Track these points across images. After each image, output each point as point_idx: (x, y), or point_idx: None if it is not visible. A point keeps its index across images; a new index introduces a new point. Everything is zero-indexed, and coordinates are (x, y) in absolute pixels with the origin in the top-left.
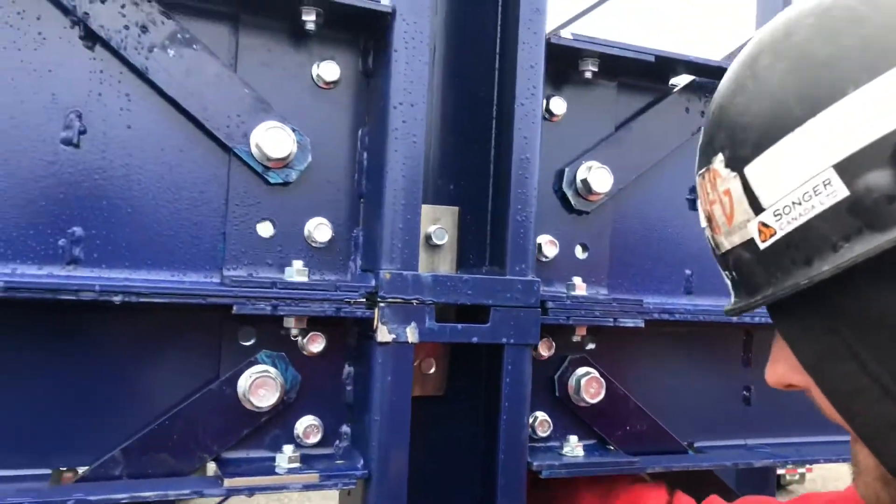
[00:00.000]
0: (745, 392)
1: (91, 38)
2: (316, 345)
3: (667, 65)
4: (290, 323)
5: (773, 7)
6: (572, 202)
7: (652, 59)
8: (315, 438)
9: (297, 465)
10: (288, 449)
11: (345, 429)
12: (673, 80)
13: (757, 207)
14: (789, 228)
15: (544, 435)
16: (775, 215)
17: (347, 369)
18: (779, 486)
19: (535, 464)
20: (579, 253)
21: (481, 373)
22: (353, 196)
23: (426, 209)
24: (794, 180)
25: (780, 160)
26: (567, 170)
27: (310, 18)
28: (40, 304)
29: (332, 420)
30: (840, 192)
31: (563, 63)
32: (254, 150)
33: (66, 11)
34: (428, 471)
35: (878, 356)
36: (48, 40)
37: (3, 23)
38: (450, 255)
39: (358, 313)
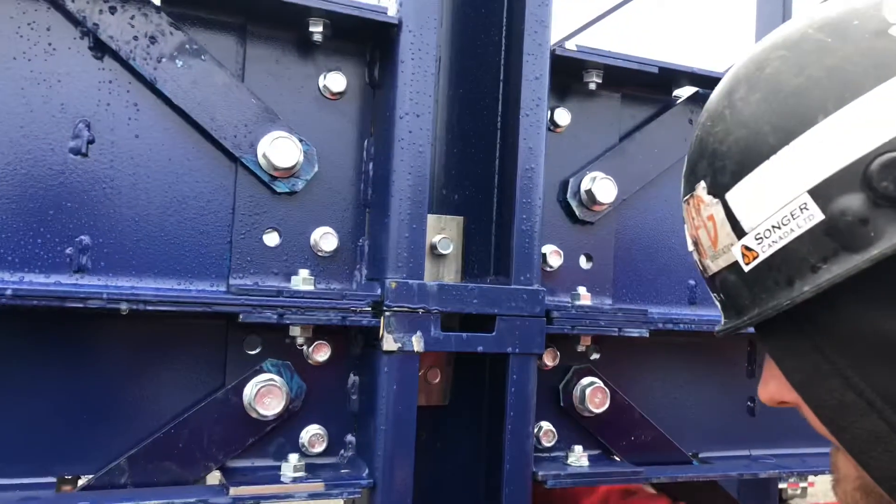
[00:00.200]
0: (749, 403)
1: (100, 48)
2: (321, 354)
3: (670, 76)
4: (295, 332)
5: (772, 20)
6: (577, 213)
7: (655, 70)
8: (320, 447)
9: (302, 473)
10: (293, 458)
11: (350, 438)
12: (676, 92)
13: (739, 232)
14: (770, 251)
15: (549, 445)
16: (757, 239)
17: (353, 378)
18: (781, 500)
19: (540, 473)
20: (584, 263)
21: (485, 383)
22: (359, 206)
23: (431, 219)
24: (773, 205)
25: (759, 186)
26: (571, 180)
27: (317, 30)
28: (47, 311)
29: (337, 429)
30: (816, 215)
31: (568, 74)
32: (261, 159)
33: (75, 22)
34: (433, 480)
35: (861, 372)
36: (58, 51)
37: (13, 33)
38: (455, 265)
39: (364, 322)
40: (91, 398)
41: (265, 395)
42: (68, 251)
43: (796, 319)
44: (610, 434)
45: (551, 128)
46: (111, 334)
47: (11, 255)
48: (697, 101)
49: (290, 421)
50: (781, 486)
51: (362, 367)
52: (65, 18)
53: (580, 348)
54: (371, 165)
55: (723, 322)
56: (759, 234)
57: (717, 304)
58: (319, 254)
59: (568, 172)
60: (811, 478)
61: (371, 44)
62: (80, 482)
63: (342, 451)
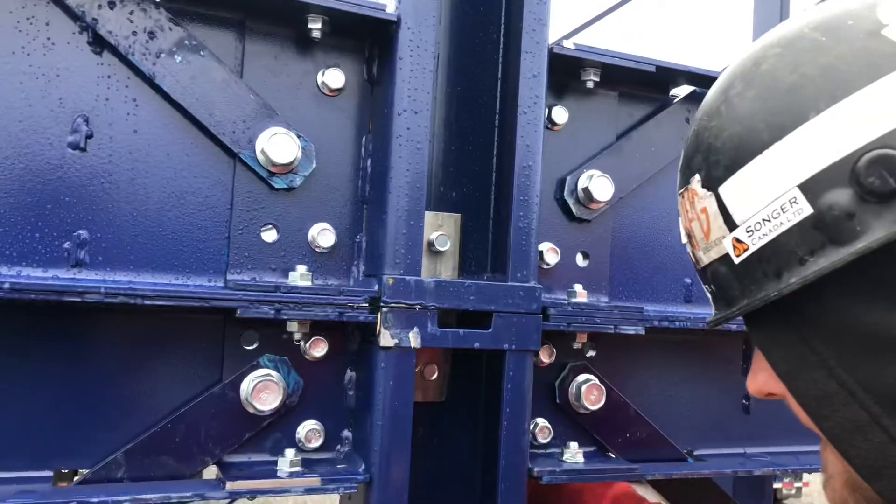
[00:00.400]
0: (744, 401)
1: (99, 43)
2: (318, 349)
3: (667, 75)
4: (292, 327)
5: (769, 20)
6: (573, 210)
7: (653, 69)
8: (317, 443)
9: (298, 468)
10: (290, 453)
11: (346, 433)
12: (673, 91)
13: (731, 224)
14: (761, 244)
15: (545, 441)
16: (748, 231)
17: (349, 374)
18: (775, 500)
19: (535, 470)
20: (580, 261)
21: (482, 379)
22: (357, 202)
23: (429, 216)
24: (764, 199)
25: (751, 180)
26: (568, 178)
27: (315, 26)
28: (45, 306)
29: (333, 424)
30: (805, 209)
31: (565, 73)
32: (259, 155)
33: (75, 17)
34: (429, 476)
35: (845, 363)
36: (57, 45)
37: (12, 27)
38: (452, 262)
39: (361, 318)
40: (88, 392)
41: (262, 390)
42: (66, 245)
43: (784, 311)
44: (605, 431)
45: (549, 126)
46: (109, 329)
47: (9, 249)
48: (694, 99)
49: (286, 416)
50: (776, 485)
51: (359, 362)
52: (64, 13)
53: (576, 345)
54: (369, 162)
55: (713, 314)
56: (749, 226)
57: (709, 295)
58: (317, 250)
59: (565, 170)
60: (806, 478)
61: (370, 40)
62: (77, 476)
63: (339, 447)
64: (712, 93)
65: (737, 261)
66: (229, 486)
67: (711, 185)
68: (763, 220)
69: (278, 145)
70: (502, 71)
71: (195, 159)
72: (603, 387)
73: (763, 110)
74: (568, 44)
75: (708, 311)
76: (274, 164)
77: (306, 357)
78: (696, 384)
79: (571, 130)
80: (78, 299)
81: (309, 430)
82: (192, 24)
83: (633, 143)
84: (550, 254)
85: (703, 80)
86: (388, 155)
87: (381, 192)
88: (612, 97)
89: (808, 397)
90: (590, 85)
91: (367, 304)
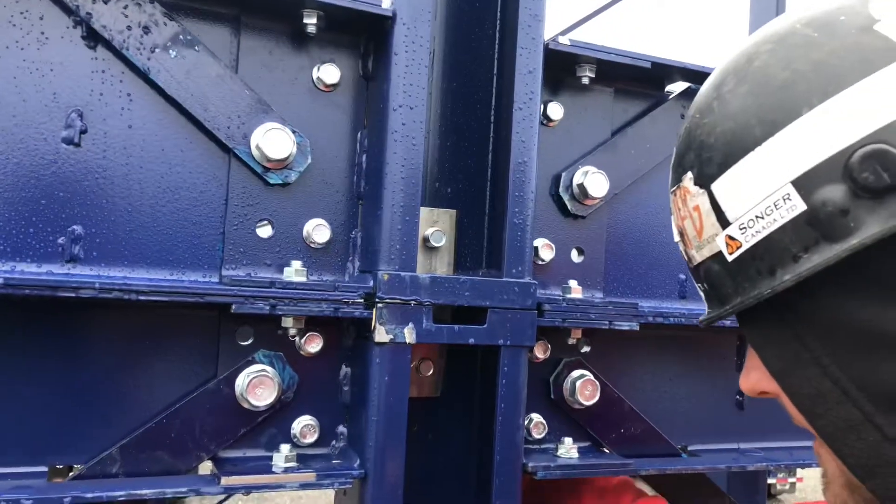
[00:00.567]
0: (738, 396)
1: (93, 38)
2: (313, 345)
3: (663, 71)
4: (288, 323)
5: (765, 15)
6: (569, 206)
7: (648, 65)
8: (312, 438)
9: (293, 464)
10: (285, 448)
11: (341, 429)
12: (669, 87)
13: (724, 222)
14: (754, 241)
15: (539, 437)
16: (741, 229)
17: (344, 370)
18: (769, 495)
19: (530, 465)
20: (575, 257)
21: (477, 375)
22: (352, 198)
23: (424, 211)
24: (757, 196)
25: (744, 177)
26: (563, 174)
27: (311, 21)
28: (39, 301)
29: (328, 420)
30: (798, 206)
31: (561, 69)
32: (254, 150)
33: (68, 11)
34: (424, 471)
35: (839, 361)
36: (50, 40)
37: (5, 22)
38: (447, 257)
39: (356, 314)
40: (83, 388)
41: (257, 385)
42: (60, 241)
43: (777, 308)
44: (600, 426)
45: (544, 122)
46: (103, 324)
47: (3, 245)
48: (689, 96)
49: (281, 411)
50: (770, 481)
51: (354, 358)
52: (58, 7)
53: (571, 341)
54: (364, 157)
55: (706, 312)
56: (742, 223)
57: (702, 294)
58: (312, 245)
59: (560, 166)
60: (800, 473)
61: (365, 36)
62: (72, 472)
63: (334, 442)
64: (705, 89)
65: (730, 258)
66: (224, 481)
67: (704, 182)
68: (756, 217)
69: (273, 141)
70: (498, 67)
71: (190, 155)
72: (597, 382)
73: (755, 106)
74: (563, 40)
75: (703, 308)
76: (269, 160)
77: (301, 353)
78: (690, 380)
79: (567, 126)
80: (72, 295)
81: (304, 425)
82: (186, 18)
83: (629, 140)
84: (545, 250)
85: (698, 77)
86: (383, 151)
87: (376, 188)
88: (607, 93)
89: (801, 396)
90: (585, 81)
91: (362, 300)
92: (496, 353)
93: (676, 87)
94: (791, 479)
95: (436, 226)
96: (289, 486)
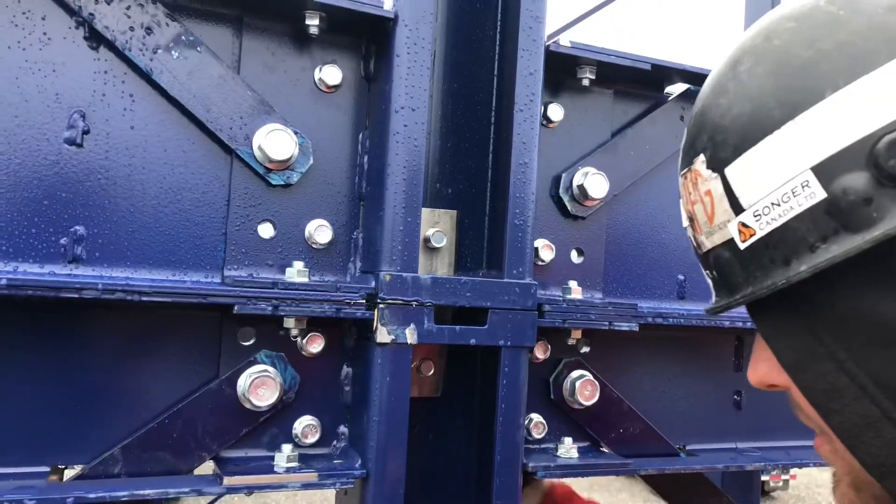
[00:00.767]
0: (736, 396)
1: (96, 38)
2: (315, 345)
3: (662, 73)
4: (289, 323)
5: (761, 15)
6: (569, 207)
7: (648, 67)
8: (313, 438)
9: (295, 464)
10: (286, 448)
11: (343, 429)
12: (668, 89)
13: (737, 208)
14: (769, 229)
15: (539, 437)
16: (755, 216)
17: (346, 370)
18: (763, 492)
19: (530, 465)
20: (575, 257)
21: (477, 375)
22: (354, 198)
23: (425, 212)
24: (774, 182)
25: (760, 162)
26: (564, 175)
27: (313, 23)
28: (42, 302)
29: (330, 420)
30: (818, 193)
31: (561, 70)
32: (256, 151)
33: (71, 12)
34: (425, 471)
35: (855, 356)
36: (53, 40)
37: (8, 22)
38: (448, 258)
39: (358, 314)
40: (85, 388)
41: (259, 385)
42: (63, 241)
43: (791, 299)
44: (599, 426)
45: (544, 123)
46: (105, 325)
47: (6, 245)
48: (689, 97)
49: (283, 412)
50: (764, 478)
51: (356, 358)
52: (60, 8)
53: (571, 341)
54: (366, 158)
55: (714, 300)
56: (757, 210)
57: (709, 281)
58: (314, 246)
59: (560, 167)
60: (793, 470)
61: (367, 37)
62: (74, 472)
63: (335, 442)
64: (719, 69)
65: (742, 246)
66: (226, 481)
67: (717, 165)
68: (772, 203)
69: (275, 142)
70: (499, 68)
71: (192, 155)
72: (597, 382)
73: (775, 87)
74: (564, 42)
75: (701, 308)
76: (271, 161)
77: (303, 353)
78: (688, 380)
79: (567, 128)
80: (75, 295)
81: (305, 425)
82: (189, 19)
83: (628, 141)
84: (546, 250)
85: (697, 78)
86: (384, 152)
87: (377, 189)
88: (607, 95)
89: (815, 391)
90: (585, 83)
91: (363, 301)
92: (497, 353)
93: (676, 89)
94: (784, 477)
95: (437, 226)
96: (291, 486)
